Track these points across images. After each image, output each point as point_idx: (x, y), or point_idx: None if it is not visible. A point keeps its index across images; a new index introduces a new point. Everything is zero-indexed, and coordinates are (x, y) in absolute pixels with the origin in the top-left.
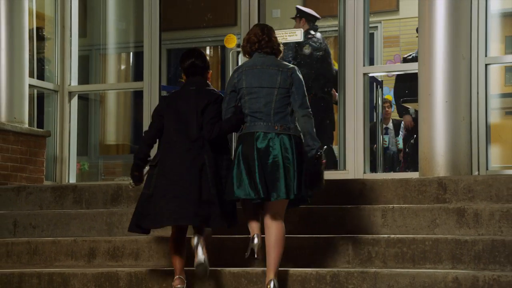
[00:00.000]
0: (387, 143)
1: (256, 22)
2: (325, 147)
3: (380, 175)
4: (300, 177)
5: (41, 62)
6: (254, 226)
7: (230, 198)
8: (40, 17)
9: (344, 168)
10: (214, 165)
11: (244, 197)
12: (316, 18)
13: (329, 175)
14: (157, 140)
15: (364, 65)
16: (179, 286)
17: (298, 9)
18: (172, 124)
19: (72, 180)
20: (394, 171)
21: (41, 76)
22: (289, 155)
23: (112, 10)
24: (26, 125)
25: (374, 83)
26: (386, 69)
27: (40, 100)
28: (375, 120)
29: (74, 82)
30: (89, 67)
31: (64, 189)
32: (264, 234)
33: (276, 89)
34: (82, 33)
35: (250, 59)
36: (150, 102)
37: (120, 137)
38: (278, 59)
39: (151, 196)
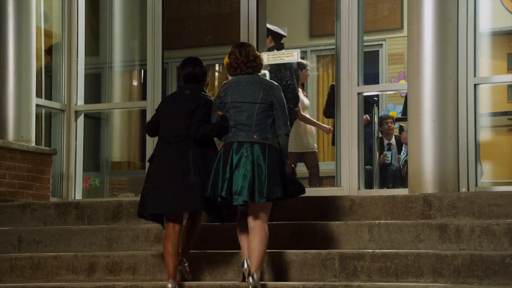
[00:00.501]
0: (389, 159)
1: (255, 40)
2: (291, 165)
3: (373, 192)
4: (271, 180)
5: (48, 81)
6: (244, 249)
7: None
8: (48, 35)
9: (340, 185)
10: (201, 158)
11: (211, 197)
12: (282, 36)
13: (325, 191)
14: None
15: (358, 85)
16: (171, 286)
17: (267, 28)
18: (165, 124)
19: (78, 196)
20: (396, 187)
21: (48, 95)
22: (261, 161)
23: (119, 29)
24: (33, 144)
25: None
26: (380, 89)
27: (47, 119)
28: (375, 137)
29: (81, 101)
30: (96, 85)
31: (67, 205)
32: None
33: (257, 104)
34: (89, 51)
35: (236, 76)
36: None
37: (129, 155)
38: (261, 74)
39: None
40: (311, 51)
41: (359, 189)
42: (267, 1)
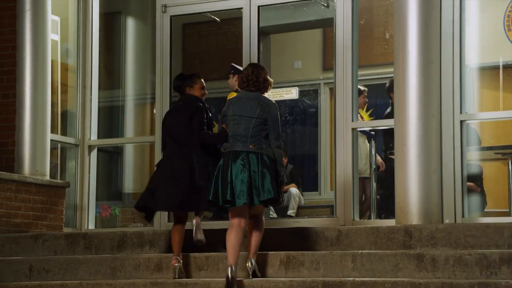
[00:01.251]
0: None
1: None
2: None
3: (367, 222)
4: (265, 186)
5: (64, 116)
6: (230, 254)
7: (207, 199)
8: (63, 67)
9: (336, 215)
10: (204, 163)
11: (213, 200)
12: None
13: (321, 221)
14: None
15: (352, 120)
16: (176, 264)
17: (232, 66)
18: (168, 134)
19: (91, 226)
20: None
21: (63, 130)
22: (255, 169)
23: (131, 65)
24: (47, 177)
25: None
26: (372, 124)
27: (62, 153)
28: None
29: (94, 136)
30: (109, 119)
31: (76, 236)
32: None
33: (254, 118)
34: (103, 85)
35: (240, 93)
36: (161, 154)
37: (141, 186)
38: (264, 94)
39: (153, 189)
40: (324, 83)
41: (353, 219)
42: (277, 37)
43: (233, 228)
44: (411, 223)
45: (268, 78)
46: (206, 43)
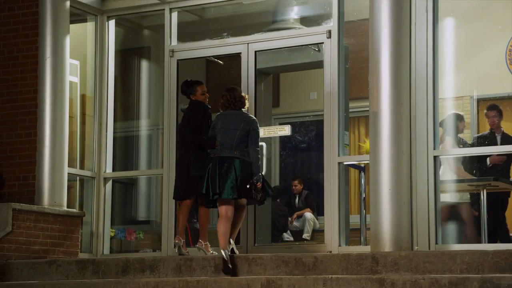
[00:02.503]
0: None
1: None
2: (260, 174)
3: (351, 248)
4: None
5: (82, 151)
6: (222, 240)
7: (199, 192)
8: (82, 106)
9: (324, 242)
10: (199, 159)
11: (204, 192)
12: None
13: (313, 246)
14: None
15: (338, 155)
16: (176, 241)
17: None
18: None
19: (106, 251)
20: None
21: (82, 164)
22: (238, 171)
23: (145, 98)
24: (65, 208)
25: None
26: (357, 159)
27: (81, 185)
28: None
29: (109, 168)
30: (124, 152)
31: (86, 262)
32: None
33: (238, 130)
34: (119, 118)
35: (226, 111)
36: (169, 187)
37: (155, 214)
38: (244, 110)
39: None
40: None
41: (340, 246)
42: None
43: (222, 219)
44: (383, 250)
45: (242, 95)
46: (211, 77)
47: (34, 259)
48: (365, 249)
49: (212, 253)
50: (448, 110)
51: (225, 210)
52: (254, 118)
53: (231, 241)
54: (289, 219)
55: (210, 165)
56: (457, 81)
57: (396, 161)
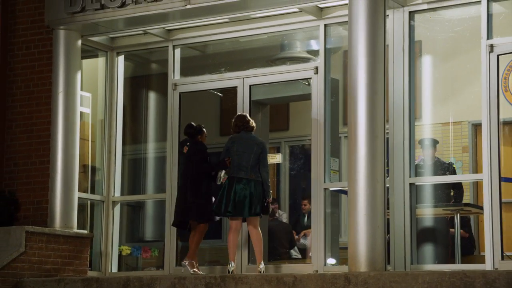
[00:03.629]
0: None
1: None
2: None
3: (336, 268)
4: (259, 203)
5: (93, 176)
6: (230, 252)
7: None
8: (93, 135)
9: (311, 262)
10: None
11: (218, 211)
12: None
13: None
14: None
15: (324, 182)
16: (183, 262)
17: None
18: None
19: (114, 270)
20: None
21: (92, 189)
22: (253, 191)
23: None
24: (75, 230)
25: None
26: (341, 185)
27: (91, 208)
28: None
29: (118, 193)
30: (131, 176)
31: (90, 280)
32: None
33: (252, 153)
34: (127, 142)
35: (239, 133)
36: (171, 210)
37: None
38: (253, 134)
39: None
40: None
41: (325, 265)
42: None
43: (232, 231)
44: (359, 269)
45: (252, 120)
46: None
47: (45, 277)
48: (339, 269)
49: (195, 271)
50: (448, 133)
51: (235, 224)
52: (263, 140)
53: (262, 264)
54: (296, 236)
55: (226, 183)
56: (455, 107)
57: (371, 189)
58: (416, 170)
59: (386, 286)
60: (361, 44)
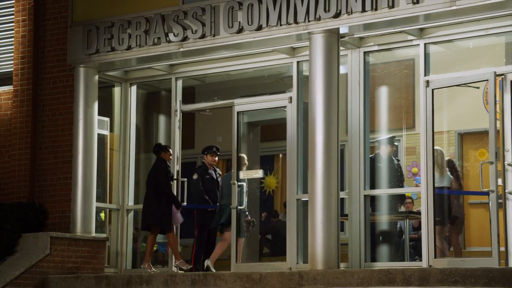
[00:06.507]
0: None
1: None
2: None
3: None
4: None
5: (111, 188)
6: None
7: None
8: (111, 155)
9: (286, 260)
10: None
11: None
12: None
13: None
14: None
15: (297, 193)
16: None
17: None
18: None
19: (129, 266)
20: None
21: (110, 198)
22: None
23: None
24: (93, 234)
25: None
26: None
27: (110, 214)
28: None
29: (131, 202)
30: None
31: (101, 277)
32: None
33: None
34: (141, 159)
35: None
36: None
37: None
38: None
39: None
40: None
41: (297, 263)
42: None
43: (227, 243)
44: (317, 268)
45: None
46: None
47: (67, 274)
48: (299, 267)
49: (188, 266)
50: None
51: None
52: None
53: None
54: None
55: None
56: (443, 118)
57: (326, 201)
58: (370, 163)
59: (330, 281)
60: (319, 79)
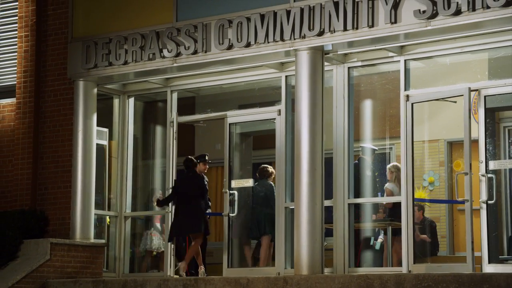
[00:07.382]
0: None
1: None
2: None
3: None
4: None
5: (108, 196)
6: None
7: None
8: (110, 164)
9: (275, 265)
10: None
11: None
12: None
13: (267, 269)
14: None
15: (285, 202)
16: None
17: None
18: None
19: (126, 271)
20: None
21: (109, 206)
22: None
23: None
24: (91, 240)
25: None
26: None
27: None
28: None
29: (129, 209)
30: (140, 195)
31: (99, 281)
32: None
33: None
34: (138, 169)
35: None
36: (168, 223)
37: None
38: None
39: None
40: None
41: (285, 268)
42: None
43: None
44: (302, 273)
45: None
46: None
47: (66, 279)
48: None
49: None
50: (424, 150)
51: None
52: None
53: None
54: None
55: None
56: (431, 127)
57: (311, 210)
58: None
59: (312, 285)
60: (304, 93)
